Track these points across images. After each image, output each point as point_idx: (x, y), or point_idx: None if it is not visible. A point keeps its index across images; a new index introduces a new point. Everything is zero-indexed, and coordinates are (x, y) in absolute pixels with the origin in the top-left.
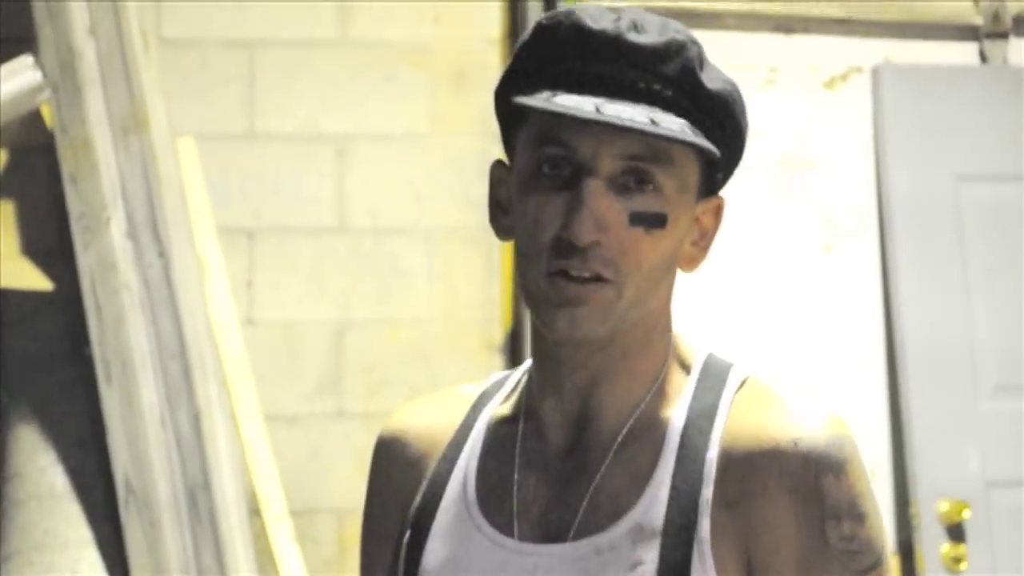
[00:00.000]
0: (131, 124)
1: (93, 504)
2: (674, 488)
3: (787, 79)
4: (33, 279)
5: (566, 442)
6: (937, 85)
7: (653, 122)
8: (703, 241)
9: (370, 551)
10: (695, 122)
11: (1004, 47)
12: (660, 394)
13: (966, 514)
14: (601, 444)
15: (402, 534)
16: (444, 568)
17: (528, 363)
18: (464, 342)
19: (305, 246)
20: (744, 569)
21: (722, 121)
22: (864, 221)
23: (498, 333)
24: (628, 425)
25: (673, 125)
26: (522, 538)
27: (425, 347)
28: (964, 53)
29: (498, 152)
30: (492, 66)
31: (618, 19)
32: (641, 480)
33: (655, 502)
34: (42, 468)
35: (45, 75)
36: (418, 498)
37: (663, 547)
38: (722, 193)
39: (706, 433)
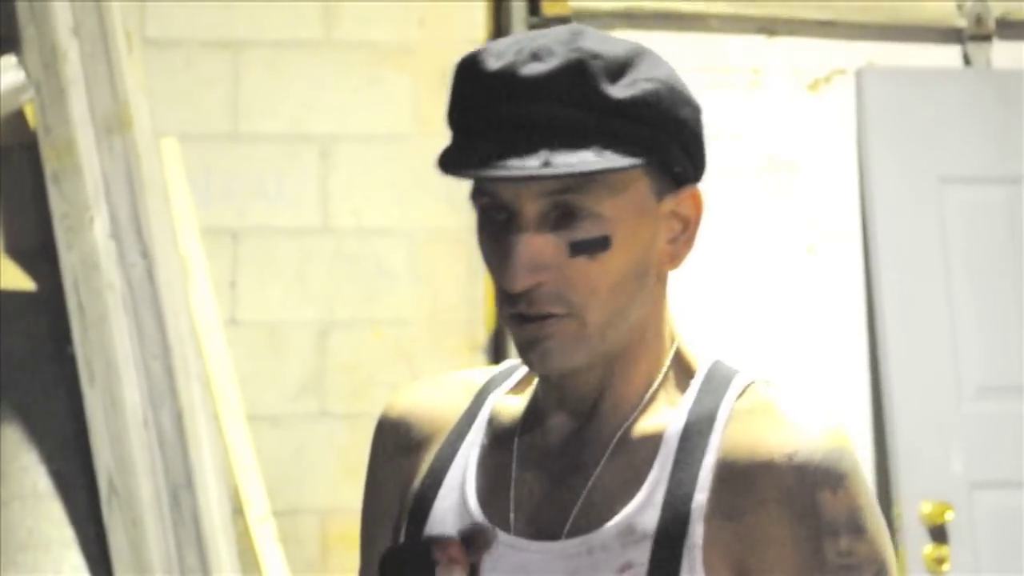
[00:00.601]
0: (115, 124)
1: (76, 504)
2: (669, 492)
3: (771, 81)
4: (16, 279)
5: (565, 441)
6: (921, 87)
7: (547, 163)
8: (685, 233)
9: (369, 533)
10: (610, 136)
11: (987, 50)
12: (660, 398)
13: (949, 515)
14: (598, 445)
15: (401, 518)
16: None
17: None
18: (447, 342)
19: (289, 246)
20: None
21: (649, 122)
22: (847, 223)
23: (481, 333)
24: (625, 427)
25: (571, 158)
26: (517, 533)
27: (409, 347)
28: (948, 56)
29: None
30: None
31: (520, 50)
32: (636, 482)
33: (649, 505)
34: (25, 468)
35: (28, 75)
36: (417, 483)
37: (654, 550)
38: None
39: (704, 438)
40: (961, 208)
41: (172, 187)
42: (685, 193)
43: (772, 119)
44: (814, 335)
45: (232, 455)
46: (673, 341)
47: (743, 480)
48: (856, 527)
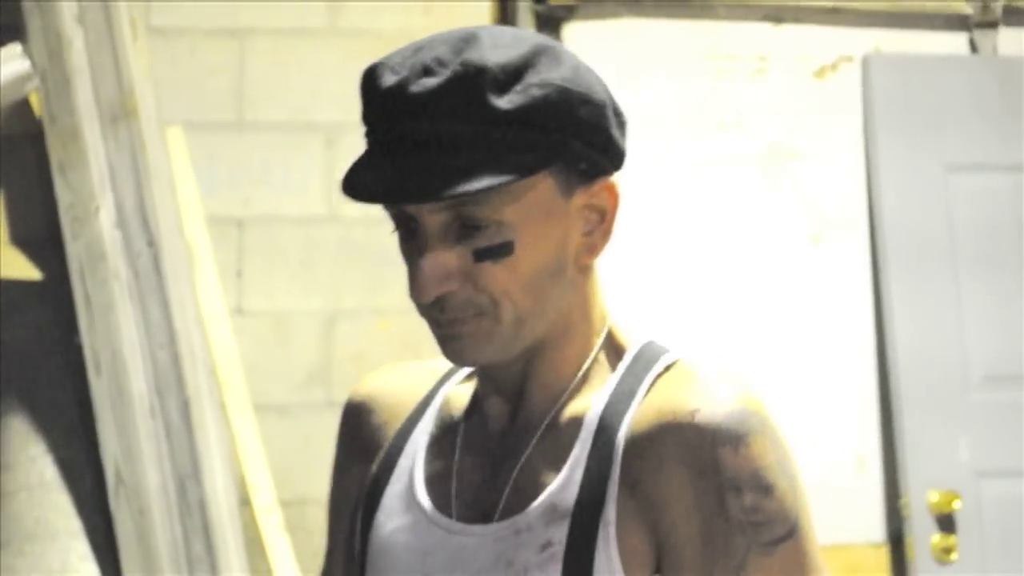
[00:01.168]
0: (120, 113)
1: (83, 494)
2: (587, 470)
3: (777, 69)
4: (22, 269)
5: (502, 427)
6: (927, 75)
7: (442, 182)
8: (603, 225)
9: (333, 517)
10: (504, 147)
11: (994, 37)
12: (587, 380)
13: (956, 505)
14: (529, 429)
15: (358, 503)
16: (387, 542)
17: None
18: None
19: (295, 235)
20: (652, 547)
21: (543, 127)
22: (853, 211)
23: None
24: (554, 411)
25: (464, 175)
26: (459, 518)
27: (415, 336)
28: (954, 43)
29: None
30: None
31: (415, 64)
32: (559, 462)
33: (569, 483)
34: (32, 458)
35: (34, 64)
36: (374, 468)
37: (571, 528)
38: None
39: (621, 415)
40: (968, 196)
41: (178, 176)
42: (598, 186)
43: (778, 107)
44: (820, 325)
45: (239, 444)
46: (605, 325)
47: (647, 443)
48: (761, 485)
